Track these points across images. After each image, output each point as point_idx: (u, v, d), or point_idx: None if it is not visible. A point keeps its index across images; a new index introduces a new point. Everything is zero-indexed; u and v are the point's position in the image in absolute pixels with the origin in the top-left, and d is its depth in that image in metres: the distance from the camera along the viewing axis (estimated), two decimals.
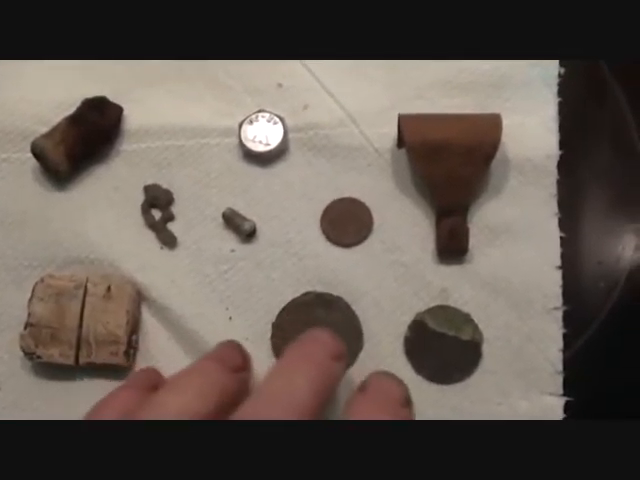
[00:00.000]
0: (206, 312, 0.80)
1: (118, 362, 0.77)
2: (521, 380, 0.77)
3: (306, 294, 0.80)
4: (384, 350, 0.79)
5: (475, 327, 0.78)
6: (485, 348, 0.78)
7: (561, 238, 0.80)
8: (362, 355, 0.78)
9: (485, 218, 0.81)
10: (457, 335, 0.78)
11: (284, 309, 0.79)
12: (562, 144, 0.82)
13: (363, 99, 0.85)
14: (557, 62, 0.84)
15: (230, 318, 0.80)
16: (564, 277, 0.79)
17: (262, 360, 0.78)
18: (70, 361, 0.78)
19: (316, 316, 0.79)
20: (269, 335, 0.79)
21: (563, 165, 0.82)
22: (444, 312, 0.78)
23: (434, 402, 0.77)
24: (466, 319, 0.78)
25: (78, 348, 0.78)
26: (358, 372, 0.76)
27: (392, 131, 0.83)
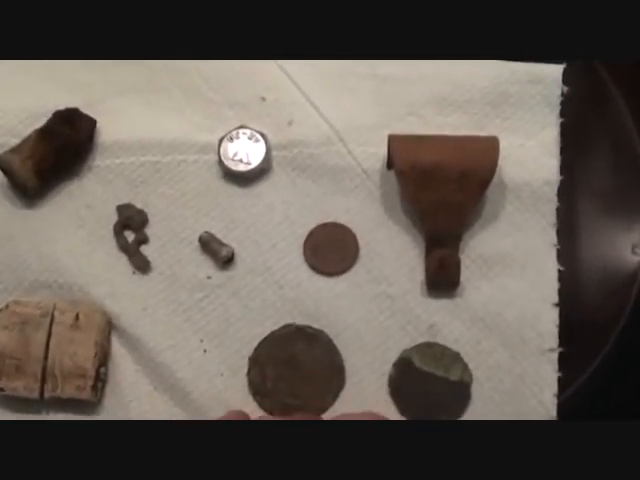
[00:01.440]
0: (179, 344, 0.74)
1: (85, 397, 0.72)
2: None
3: (286, 326, 0.74)
4: (367, 389, 0.73)
5: (464, 367, 0.72)
6: (475, 389, 0.72)
7: (559, 271, 0.73)
8: (343, 394, 0.73)
9: (478, 247, 0.75)
10: (445, 375, 0.72)
11: (262, 342, 0.74)
12: (563, 168, 0.76)
13: (351, 115, 0.78)
14: (560, 80, 0.77)
15: (205, 351, 0.74)
16: (561, 314, 0.72)
17: (237, 398, 0.72)
18: (35, 395, 0.72)
19: (296, 350, 0.73)
20: (245, 370, 0.73)
21: (563, 191, 0.75)
22: (432, 350, 0.73)
23: None
24: (455, 358, 0.72)
25: (43, 381, 0.72)
26: (339, 411, 0.72)
27: (382, 150, 0.76)
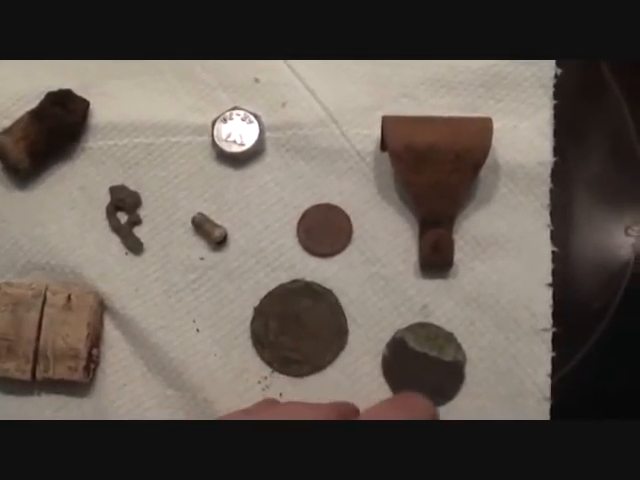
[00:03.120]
0: (172, 325, 0.72)
1: (77, 378, 0.70)
2: (506, 405, 0.70)
3: (294, 281, 0.73)
4: (360, 369, 0.71)
5: (458, 347, 0.70)
6: (468, 370, 0.70)
7: (553, 252, 0.71)
8: (343, 355, 0.71)
9: (472, 229, 0.73)
10: (439, 356, 0.70)
11: (269, 294, 0.72)
12: (556, 150, 0.74)
13: (345, 97, 0.76)
14: (553, 62, 0.75)
15: (197, 331, 0.72)
16: (555, 295, 0.71)
17: (229, 379, 0.71)
18: (27, 376, 0.71)
19: (302, 307, 0.72)
20: (238, 350, 0.71)
21: (557, 173, 0.73)
22: (425, 330, 0.71)
23: None
24: (448, 338, 0.71)
25: (35, 362, 0.70)
26: (333, 379, 0.71)
27: (376, 132, 0.74)
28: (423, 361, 0.70)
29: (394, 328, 0.71)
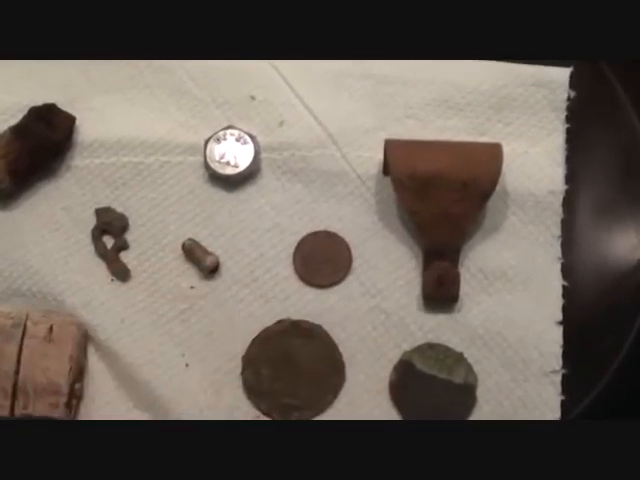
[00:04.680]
0: (159, 359, 0.67)
1: (58, 415, 0.65)
2: None
3: (279, 322, 0.67)
4: (364, 407, 0.66)
5: (469, 368, 0.66)
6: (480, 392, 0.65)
7: (563, 287, 0.66)
8: (343, 394, 0.66)
9: (479, 260, 0.68)
10: (449, 377, 0.65)
11: (256, 339, 0.67)
12: (568, 178, 0.69)
13: (346, 116, 0.71)
14: (566, 84, 0.71)
15: (187, 366, 0.66)
16: (565, 334, 0.65)
17: (225, 411, 0.66)
18: (5, 412, 0.65)
19: (292, 347, 0.67)
20: (229, 387, 0.66)
21: (569, 202, 0.68)
22: (434, 351, 0.66)
23: None
24: (458, 359, 0.66)
25: (14, 397, 0.65)
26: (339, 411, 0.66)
27: (378, 155, 0.69)
28: (432, 384, 0.65)
29: (393, 364, 0.66)
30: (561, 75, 0.71)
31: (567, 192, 0.69)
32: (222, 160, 0.69)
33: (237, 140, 0.69)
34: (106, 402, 0.67)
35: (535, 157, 0.69)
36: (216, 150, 0.69)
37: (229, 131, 0.70)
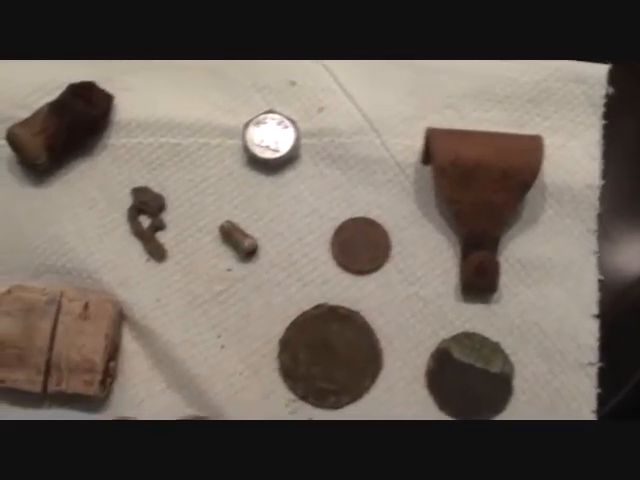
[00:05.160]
0: (195, 339, 0.66)
1: (92, 392, 0.64)
2: None
3: (317, 307, 0.66)
4: (399, 394, 0.65)
5: (505, 358, 0.65)
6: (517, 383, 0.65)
7: (599, 281, 0.66)
8: (380, 379, 0.65)
9: (516, 251, 0.68)
10: (485, 367, 0.65)
11: (292, 324, 0.66)
12: (605, 172, 0.69)
13: (386, 104, 0.71)
14: (604, 81, 0.71)
15: (222, 347, 0.66)
16: (601, 327, 0.65)
17: (255, 401, 0.65)
18: (37, 388, 0.64)
19: (329, 331, 0.66)
20: (265, 370, 0.65)
21: (605, 196, 0.68)
22: (470, 340, 0.66)
23: None
24: (495, 348, 0.65)
25: (47, 374, 0.64)
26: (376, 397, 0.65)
27: (417, 143, 0.69)
28: (469, 373, 0.65)
29: (430, 351, 0.66)
30: (600, 71, 0.71)
31: (603, 187, 0.69)
32: (262, 144, 0.69)
33: (278, 124, 0.69)
34: (140, 381, 0.66)
35: (572, 151, 0.70)
36: (256, 134, 0.69)
37: (270, 115, 0.69)
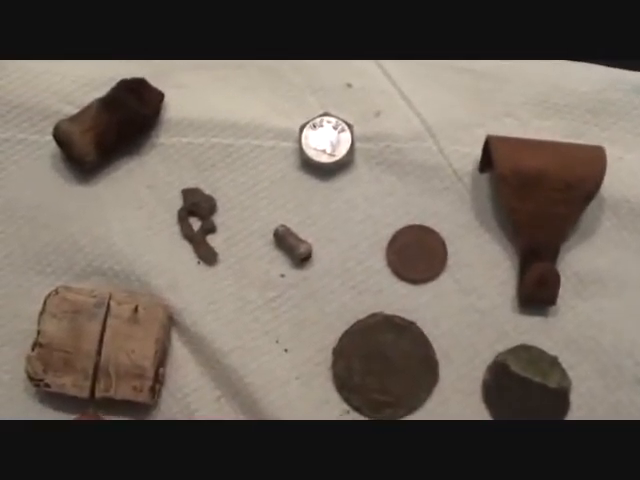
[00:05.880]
0: (247, 345, 0.64)
1: (142, 399, 0.62)
2: None
3: (372, 316, 0.65)
4: (455, 406, 0.64)
5: (563, 372, 0.64)
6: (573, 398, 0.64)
7: None
8: (436, 392, 0.64)
9: (574, 264, 0.66)
10: (543, 381, 0.63)
11: (347, 333, 0.64)
12: None
13: (444, 110, 0.69)
14: None
15: (275, 355, 0.64)
16: None
17: (310, 410, 0.63)
18: (84, 394, 0.62)
19: (384, 342, 0.64)
20: (319, 379, 0.64)
21: None
22: (528, 353, 0.64)
23: None
24: (552, 362, 0.64)
25: (95, 379, 0.62)
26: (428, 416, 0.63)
27: (476, 151, 0.68)
28: (526, 387, 0.63)
29: (487, 364, 0.64)
30: None
31: None
32: (318, 148, 0.67)
33: (334, 128, 0.67)
34: (192, 390, 0.63)
35: (630, 163, 0.68)
36: (312, 137, 0.67)
37: (326, 118, 0.67)
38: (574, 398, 0.63)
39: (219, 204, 0.67)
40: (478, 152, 0.67)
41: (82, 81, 0.69)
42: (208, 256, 0.66)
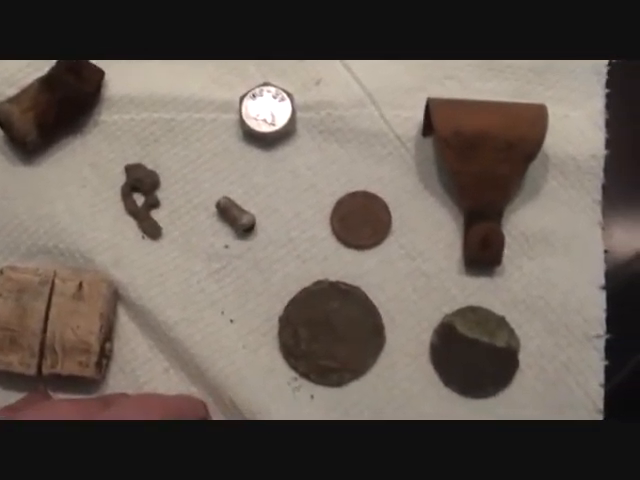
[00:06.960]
0: (193, 317, 0.64)
1: (88, 374, 0.62)
2: (555, 417, 0.62)
3: (317, 283, 0.65)
4: (402, 370, 0.63)
5: (511, 332, 0.63)
6: (522, 357, 0.63)
7: (605, 252, 0.65)
8: (383, 356, 0.63)
9: (520, 224, 0.66)
10: (490, 341, 0.63)
11: (292, 301, 0.64)
12: (609, 142, 0.67)
13: (385, 75, 0.69)
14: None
15: (222, 325, 0.64)
16: (608, 298, 0.64)
17: (258, 379, 0.63)
18: (31, 371, 0.62)
19: (329, 308, 0.64)
20: (266, 348, 0.64)
21: (610, 166, 0.67)
22: (475, 314, 0.64)
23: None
24: (500, 322, 0.64)
25: (41, 356, 0.62)
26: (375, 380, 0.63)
27: (418, 115, 0.67)
28: (474, 348, 0.63)
29: (432, 327, 0.64)
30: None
31: (607, 157, 0.67)
32: (258, 118, 0.67)
33: (274, 97, 0.67)
34: (141, 363, 0.63)
35: (576, 121, 0.68)
36: (252, 107, 0.67)
37: (266, 88, 0.67)
38: (523, 357, 0.63)
39: (162, 179, 0.67)
40: (420, 116, 0.67)
41: (23, 63, 0.69)
42: (152, 230, 0.66)
